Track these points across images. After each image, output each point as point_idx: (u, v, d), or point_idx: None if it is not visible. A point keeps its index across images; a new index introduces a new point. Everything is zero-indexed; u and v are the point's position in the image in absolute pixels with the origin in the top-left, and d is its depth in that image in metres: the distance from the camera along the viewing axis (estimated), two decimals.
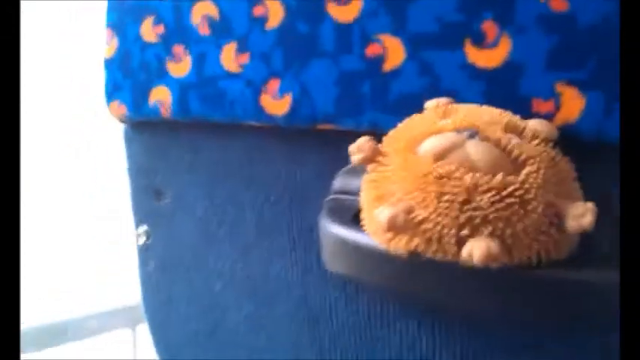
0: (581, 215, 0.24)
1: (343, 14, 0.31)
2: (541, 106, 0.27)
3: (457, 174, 0.24)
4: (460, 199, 0.24)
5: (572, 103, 0.26)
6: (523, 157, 0.25)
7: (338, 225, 0.32)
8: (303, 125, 0.35)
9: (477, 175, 0.24)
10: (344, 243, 0.31)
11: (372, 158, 0.27)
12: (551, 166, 0.25)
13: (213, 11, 0.37)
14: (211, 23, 0.37)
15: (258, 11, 0.35)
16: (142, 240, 0.52)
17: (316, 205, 0.35)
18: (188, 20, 0.38)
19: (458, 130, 0.25)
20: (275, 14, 0.34)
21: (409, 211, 0.25)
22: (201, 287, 0.48)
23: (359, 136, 0.28)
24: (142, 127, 0.47)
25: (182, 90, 0.40)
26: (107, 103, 0.45)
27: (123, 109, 0.44)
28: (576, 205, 0.24)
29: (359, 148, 0.28)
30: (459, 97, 0.29)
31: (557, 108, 0.26)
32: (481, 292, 0.26)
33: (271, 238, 0.42)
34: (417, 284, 0.29)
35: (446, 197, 0.24)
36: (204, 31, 0.37)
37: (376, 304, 0.37)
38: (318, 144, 0.36)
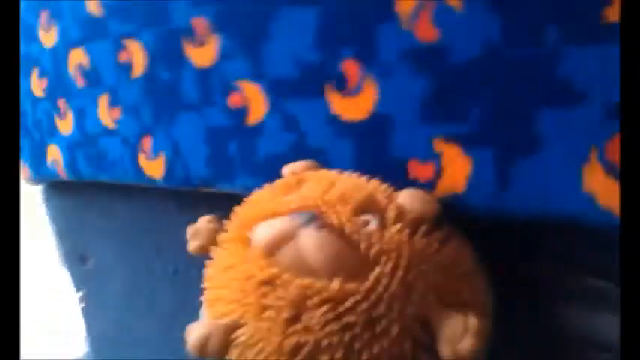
0: (459, 338, 0.17)
1: (201, 57, 0.25)
2: (419, 170, 0.20)
3: (284, 279, 0.17)
4: (284, 315, 0.17)
5: (456, 167, 0.19)
6: (374, 251, 0.17)
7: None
8: (182, 188, 0.29)
9: (307, 281, 0.17)
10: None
11: (207, 247, 0.21)
12: (421, 260, 0.18)
13: (84, 60, 0.31)
14: (84, 73, 0.32)
15: (122, 57, 0.29)
16: (82, 304, 0.48)
17: None
18: (66, 70, 0.33)
19: (296, 213, 0.18)
20: (138, 60, 0.28)
21: (229, 330, 0.18)
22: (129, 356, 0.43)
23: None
24: (55, 188, 0.42)
25: (70, 150, 0.35)
26: (21, 166, 0.41)
27: (27, 172, 0.40)
28: (451, 322, 0.17)
29: (194, 234, 0.22)
30: (327, 158, 0.22)
31: (439, 174, 0.19)
32: None
33: (187, 310, 0.36)
34: None
35: (267, 313, 0.17)
36: (80, 82, 0.32)
37: None
38: (209, 205, 0.30)
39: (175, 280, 0.37)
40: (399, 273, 0.17)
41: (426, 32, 0.19)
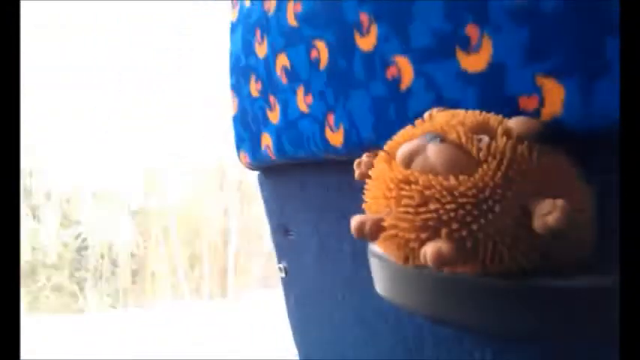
0: (548, 213, 0.22)
1: (366, 44, 0.34)
2: (526, 103, 0.25)
3: (413, 177, 0.24)
4: (415, 202, 0.24)
5: (554, 94, 0.24)
6: (482, 154, 0.23)
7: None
8: (357, 152, 0.37)
9: (430, 176, 0.24)
10: (375, 261, 0.32)
11: (366, 172, 0.29)
12: (521, 163, 0.23)
13: (286, 62, 0.42)
14: (287, 72, 0.42)
15: (313, 55, 0.39)
16: (283, 274, 0.58)
17: None
18: (275, 73, 0.44)
19: (424, 135, 0.25)
20: (323, 54, 0.37)
21: (379, 219, 0.25)
22: (325, 317, 0.52)
23: None
24: (268, 172, 0.54)
25: (277, 134, 0.45)
26: (237, 154, 0.53)
27: (247, 158, 0.51)
28: (543, 203, 0.22)
29: (357, 165, 0.29)
30: (459, 106, 0.28)
31: (542, 103, 0.25)
32: (451, 301, 0.26)
33: (366, 267, 0.44)
34: (405, 295, 0.29)
35: (404, 201, 0.24)
36: (284, 80, 0.43)
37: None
38: None
39: (356, 242, 0.44)
40: (502, 169, 0.23)
41: None
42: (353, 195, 0.43)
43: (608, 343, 0.22)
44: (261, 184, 0.55)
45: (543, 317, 0.24)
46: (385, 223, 0.25)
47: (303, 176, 0.48)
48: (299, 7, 0.39)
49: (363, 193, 0.28)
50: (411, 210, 0.24)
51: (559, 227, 0.21)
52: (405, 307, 0.31)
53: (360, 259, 0.44)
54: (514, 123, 0.24)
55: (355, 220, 0.25)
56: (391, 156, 0.27)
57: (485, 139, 0.24)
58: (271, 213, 0.55)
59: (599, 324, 0.22)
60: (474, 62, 0.27)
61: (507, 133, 0.24)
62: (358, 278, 0.45)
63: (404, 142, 0.26)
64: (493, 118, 0.25)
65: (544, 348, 0.28)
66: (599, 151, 0.24)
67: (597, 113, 0.23)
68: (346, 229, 0.45)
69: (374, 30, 0.33)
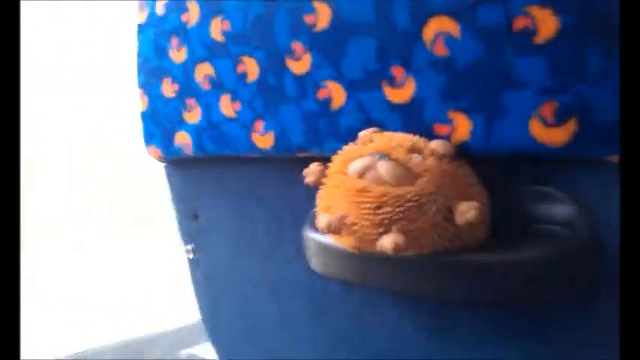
0: (466, 211, 0.32)
1: (298, 68, 0.41)
2: (440, 129, 0.35)
3: (370, 187, 0.33)
4: (374, 206, 0.32)
5: (463, 126, 0.34)
6: (420, 171, 0.33)
7: (312, 231, 0.41)
8: (286, 154, 0.44)
9: (385, 187, 0.32)
10: (317, 245, 0.41)
11: (318, 180, 0.36)
12: (445, 175, 0.33)
13: (210, 71, 0.47)
14: (210, 80, 0.47)
15: (240, 69, 0.44)
16: (191, 255, 0.63)
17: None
18: (193, 79, 0.48)
19: (373, 154, 0.34)
20: (252, 69, 0.44)
21: (343, 217, 0.33)
22: (237, 292, 0.59)
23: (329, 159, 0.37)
24: (176, 164, 0.58)
25: (197, 134, 0.50)
26: (146, 147, 0.56)
27: (158, 152, 0.55)
28: (462, 204, 0.32)
29: (309, 173, 0.37)
30: (385, 127, 0.37)
31: (453, 130, 0.34)
32: (407, 277, 0.35)
33: (280, 248, 0.51)
34: (365, 276, 0.38)
35: (364, 205, 0.33)
36: (206, 86, 0.48)
37: (364, 295, 0.46)
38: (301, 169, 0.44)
39: (271, 224, 0.52)
40: (434, 181, 0.33)
41: (441, 50, 0.34)
42: (269, 184, 0.51)
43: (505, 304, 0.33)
44: (170, 174, 0.59)
45: (460, 283, 0.34)
46: (347, 221, 0.33)
47: (220, 167, 0.53)
48: (227, 26, 0.44)
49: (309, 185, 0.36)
50: (370, 212, 0.32)
51: (475, 221, 0.32)
52: (349, 281, 0.40)
53: (275, 241, 0.52)
54: (436, 144, 0.34)
55: (325, 218, 0.33)
56: (343, 169, 0.35)
57: (418, 157, 0.34)
58: (180, 200, 0.60)
59: (502, 289, 0.33)
60: (398, 95, 0.36)
61: (433, 152, 0.34)
62: (273, 258, 0.53)
63: (353, 157, 0.35)
64: (420, 141, 0.35)
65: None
66: (495, 168, 0.35)
67: (494, 142, 0.33)
68: (262, 215, 0.52)
69: (307, 58, 0.40)
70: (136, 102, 0.55)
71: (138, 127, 0.57)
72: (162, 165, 0.60)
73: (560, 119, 0.31)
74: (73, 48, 1.18)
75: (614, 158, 0.30)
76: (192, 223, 0.59)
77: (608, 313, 0.32)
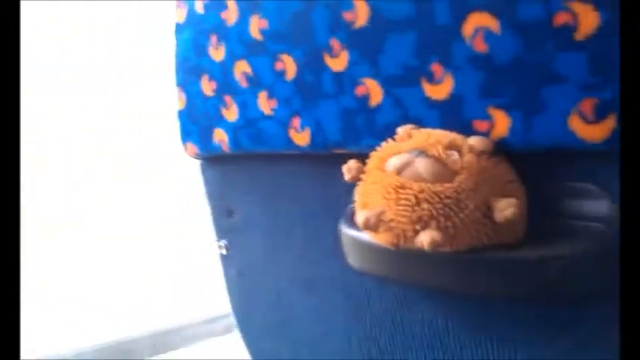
0: (504, 209, 0.32)
1: (336, 65, 0.41)
2: (479, 126, 0.35)
3: (408, 184, 0.33)
4: (412, 202, 0.33)
5: (502, 122, 0.34)
6: (458, 168, 0.33)
7: (349, 227, 0.41)
8: (322, 151, 0.45)
9: (423, 184, 0.33)
10: (354, 241, 0.41)
11: (357, 176, 0.37)
12: (483, 172, 0.33)
13: (247, 69, 0.48)
14: (247, 78, 0.48)
15: (278, 67, 0.45)
16: (224, 251, 0.64)
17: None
18: (232, 77, 0.49)
19: (411, 151, 0.34)
20: (290, 67, 0.44)
21: (381, 214, 0.34)
22: (271, 286, 0.59)
23: (365, 156, 0.37)
24: (212, 160, 0.59)
25: (234, 131, 0.51)
26: (183, 145, 0.58)
27: (195, 149, 0.56)
28: (501, 201, 0.32)
29: (348, 169, 0.37)
30: (423, 123, 0.37)
31: (492, 127, 0.34)
32: (445, 273, 0.35)
33: (316, 244, 0.52)
34: (402, 272, 0.38)
35: (402, 202, 0.33)
36: (244, 83, 0.48)
37: (400, 290, 0.46)
38: (337, 166, 0.45)
39: (307, 221, 0.52)
40: (472, 178, 0.33)
41: (480, 46, 0.34)
42: (305, 181, 0.51)
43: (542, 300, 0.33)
44: (205, 171, 0.60)
45: (497, 280, 0.34)
46: (384, 218, 0.34)
47: (255, 165, 0.54)
48: (265, 24, 0.45)
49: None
50: (408, 208, 0.33)
51: (513, 218, 0.32)
52: (386, 277, 0.41)
53: (310, 237, 0.53)
54: (474, 141, 0.34)
55: (363, 214, 0.34)
56: (382, 165, 0.35)
57: (456, 154, 0.34)
58: (215, 196, 0.61)
59: (539, 285, 0.33)
60: (437, 92, 0.36)
61: (471, 149, 0.34)
62: (309, 254, 0.53)
63: (392, 154, 0.35)
64: (458, 138, 0.35)
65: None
66: (533, 164, 0.34)
67: (533, 138, 0.33)
68: (298, 211, 0.53)
69: (344, 55, 0.40)
70: (135, 102, 0.56)
71: (138, 126, 0.58)
72: (168, 164, 0.61)
73: (599, 115, 0.31)
74: (73, 48, 1.19)
75: None
76: (227, 219, 0.60)
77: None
